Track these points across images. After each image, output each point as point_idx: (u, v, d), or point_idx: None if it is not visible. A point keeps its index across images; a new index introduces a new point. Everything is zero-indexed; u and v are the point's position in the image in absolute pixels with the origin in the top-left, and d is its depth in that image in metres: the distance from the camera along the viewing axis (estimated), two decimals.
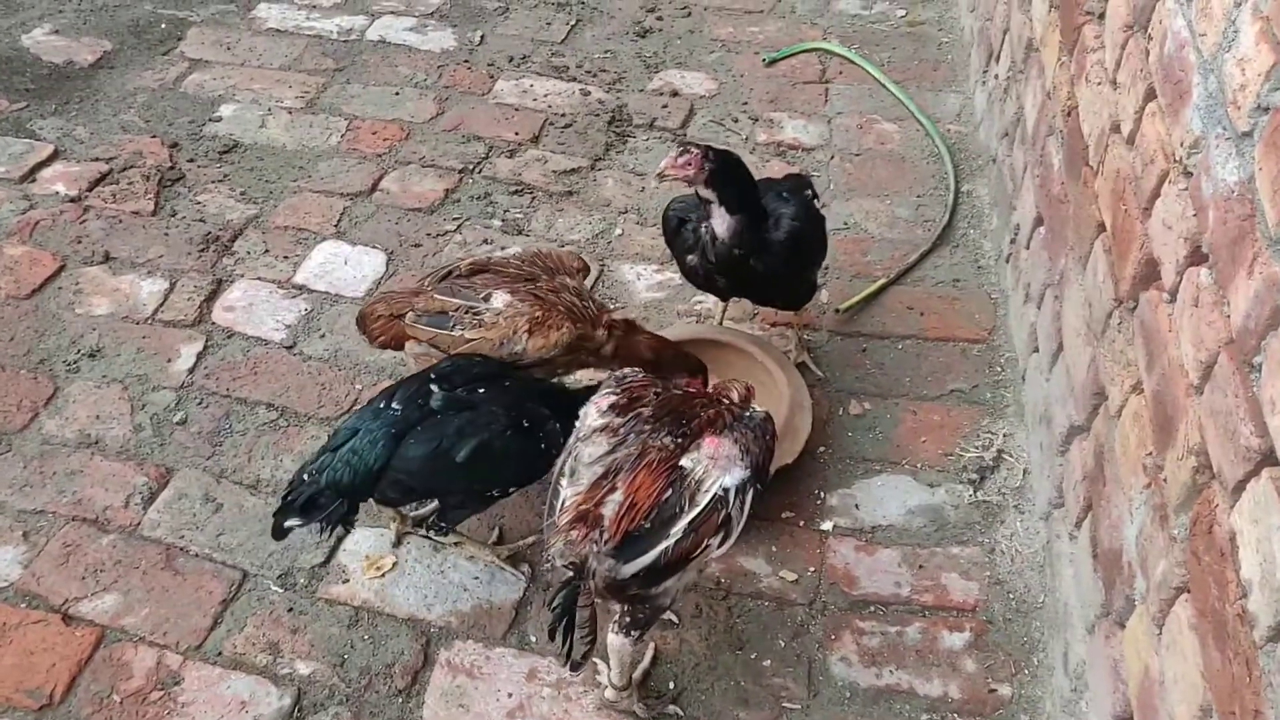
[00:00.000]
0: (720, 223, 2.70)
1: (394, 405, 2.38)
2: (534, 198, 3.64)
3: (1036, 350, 2.90)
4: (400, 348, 2.67)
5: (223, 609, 2.52)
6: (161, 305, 3.21)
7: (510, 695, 2.40)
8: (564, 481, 2.17)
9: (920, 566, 2.66)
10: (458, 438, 2.33)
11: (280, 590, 2.56)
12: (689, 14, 4.56)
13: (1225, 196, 1.85)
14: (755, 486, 2.19)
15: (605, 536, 2.07)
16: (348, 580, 2.59)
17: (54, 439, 2.86)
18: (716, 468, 2.14)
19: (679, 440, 2.16)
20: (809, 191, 3.01)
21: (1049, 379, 2.77)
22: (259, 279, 3.31)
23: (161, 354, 3.08)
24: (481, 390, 2.41)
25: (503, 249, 3.43)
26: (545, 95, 4.08)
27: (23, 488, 2.74)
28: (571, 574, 2.09)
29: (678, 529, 2.08)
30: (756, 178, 2.80)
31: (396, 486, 2.38)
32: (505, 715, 2.37)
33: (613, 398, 2.26)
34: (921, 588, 2.62)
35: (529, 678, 2.43)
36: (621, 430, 2.19)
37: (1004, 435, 2.93)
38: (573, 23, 4.47)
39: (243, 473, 2.80)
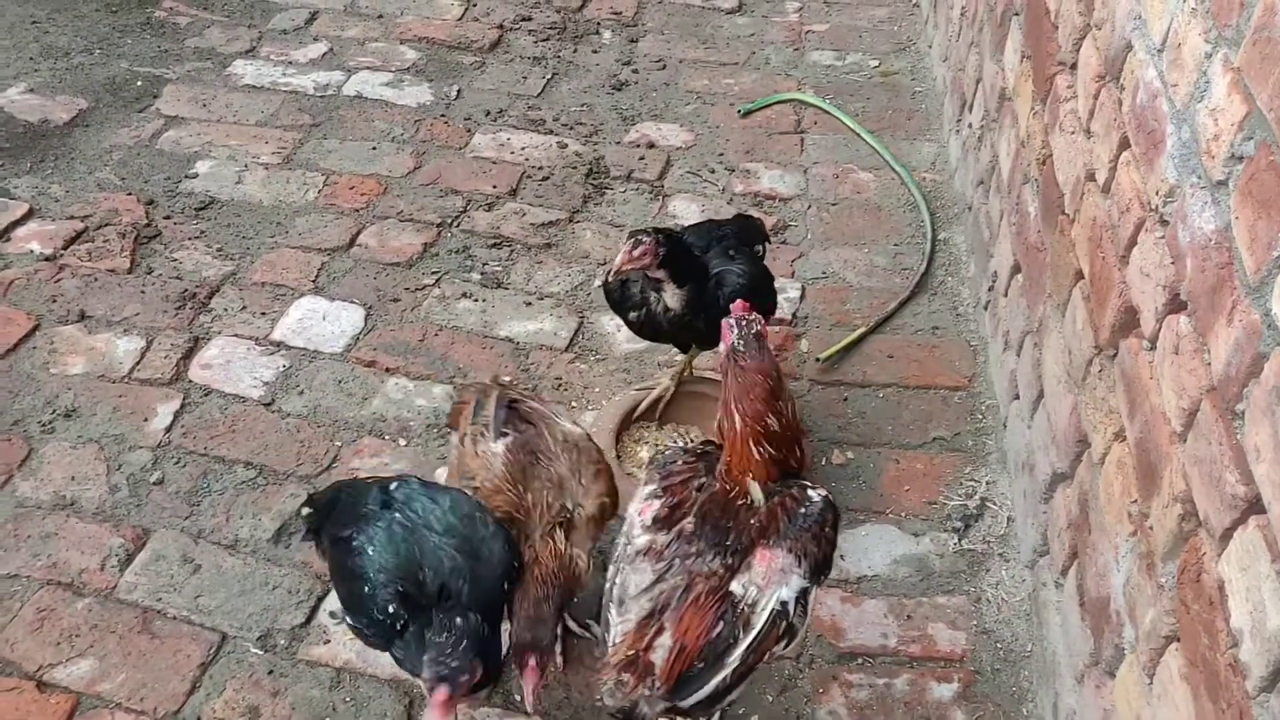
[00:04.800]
0: (672, 296, 2.76)
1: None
2: (512, 250, 3.64)
3: (1017, 397, 2.90)
4: None
5: (201, 673, 2.47)
6: (138, 364, 3.18)
7: None
8: (613, 610, 2.08)
9: (907, 617, 2.64)
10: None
11: (260, 652, 2.52)
12: (664, 67, 4.59)
13: (1202, 245, 1.87)
14: (818, 582, 2.11)
15: (657, 684, 1.98)
16: (329, 641, 2.55)
17: (28, 501, 2.82)
18: (771, 585, 2.04)
19: (728, 562, 2.05)
20: (759, 247, 3.02)
21: (1030, 426, 2.77)
22: (236, 336, 3.29)
23: (138, 413, 3.05)
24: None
25: (480, 301, 3.42)
26: (522, 148, 4.09)
27: None
28: (622, 717, 2.01)
29: (733, 658, 2.01)
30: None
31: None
32: None
33: (655, 504, 2.15)
34: (909, 638, 2.60)
35: None
36: (666, 554, 2.08)
37: (987, 483, 2.93)
38: (549, 76, 4.49)
39: (221, 533, 2.76)
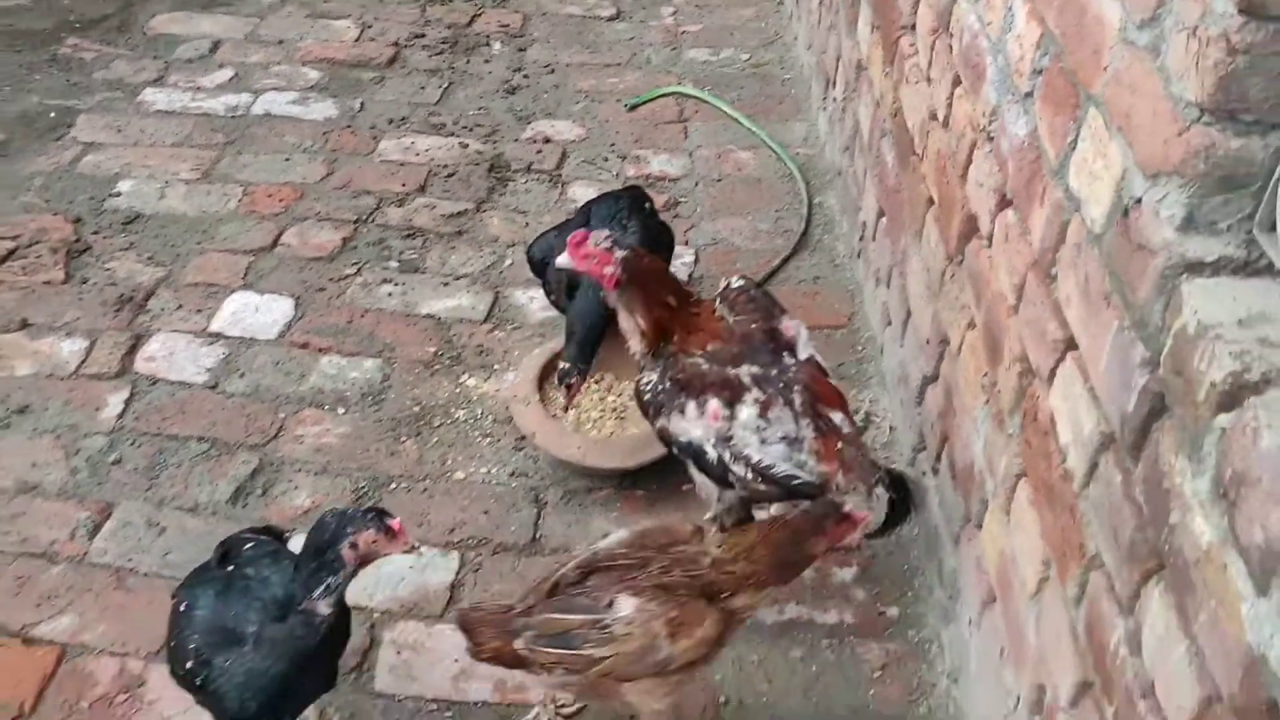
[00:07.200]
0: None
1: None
2: (426, 239, 3.93)
3: (890, 324, 3.28)
4: (516, 666, 2.29)
5: None
6: (84, 362, 3.39)
7: (456, 661, 2.63)
8: (792, 461, 2.43)
9: None
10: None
11: None
12: (552, 71, 4.93)
13: (1019, 148, 2.25)
14: None
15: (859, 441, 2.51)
16: None
17: None
18: (803, 334, 2.61)
19: (783, 352, 2.53)
20: (647, 205, 3.38)
21: (902, 345, 3.14)
22: (176, 331, 3.51)
23: (89, 404, 3.26)
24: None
25: (400, 285, 3.70)
26: (426, 150, 4.38)
27: None
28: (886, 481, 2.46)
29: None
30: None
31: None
32: (450, 679, 2.61)
33: (711, 402, 2.46)
34: None
35: None
36: (769, 394, 2.44)
37: (870, 401, 3.30)
38: (445, 86, 4.80)
39: (182, 499, 3.00)
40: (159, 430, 3.19)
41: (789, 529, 2.25)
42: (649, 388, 2.54)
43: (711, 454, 2.48)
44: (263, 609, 2.15)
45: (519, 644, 2.20)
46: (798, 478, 2.43)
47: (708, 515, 2.68)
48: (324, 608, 2.11)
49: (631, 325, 2.56)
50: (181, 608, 2.23)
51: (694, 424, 2.48)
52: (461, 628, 2.30)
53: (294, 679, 2.15)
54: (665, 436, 2.57)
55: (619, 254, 2.53)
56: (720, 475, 2.49)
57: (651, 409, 2.55)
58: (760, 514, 2.69)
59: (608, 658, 2.16)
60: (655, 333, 2.54)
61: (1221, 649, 1.45)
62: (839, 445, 2.43)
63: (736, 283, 2.63)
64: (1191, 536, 1.53)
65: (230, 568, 2.28)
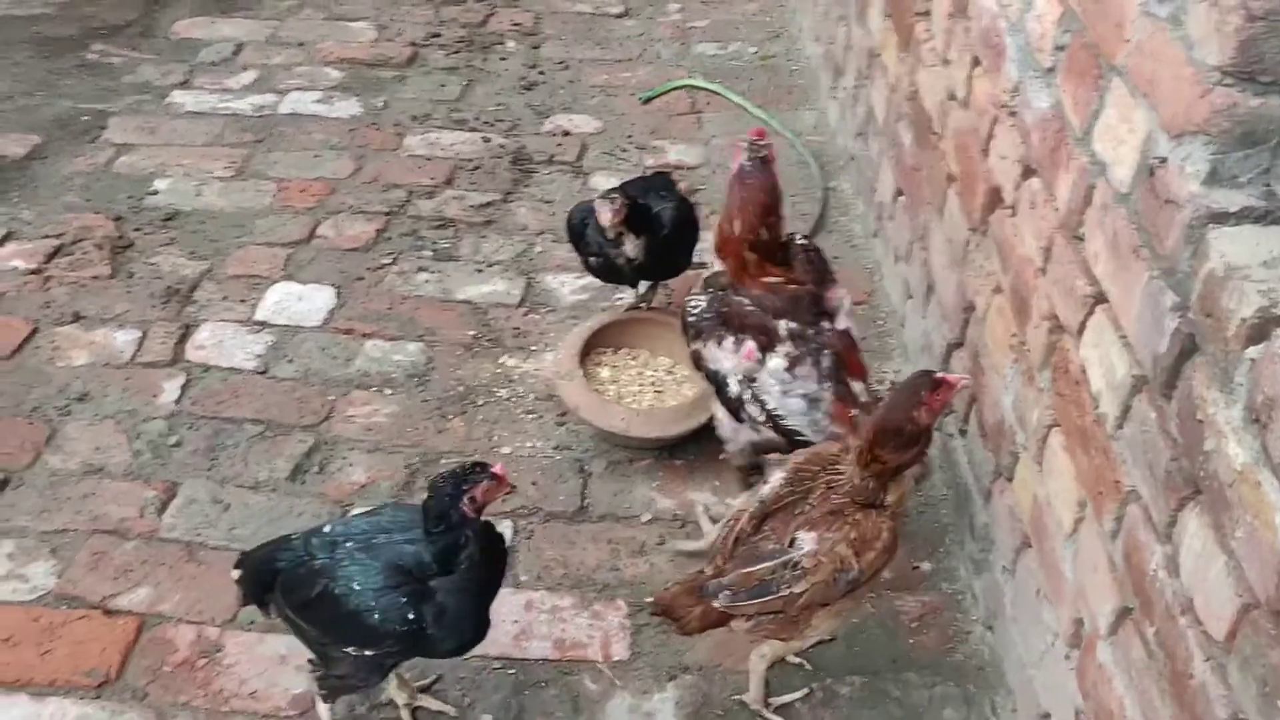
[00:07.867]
0: (632, 247, 3.27)
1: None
2: (457, 229, 4.08)
3: (911, 297, 3.43)
4: (722, 625, 2.43)
5: None
6: (138, 351, 3.52)
7: (516, 623, 2.78)
8: (806, 415, 2.64)
9: None
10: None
11: None
12: (567, 68, 5.08)
13: (1042, 120, 2.41)
14: None
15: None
16: None
17: (60, 471, 3.15)
18: (845, 301, 2.80)
19: (823, 317, 2.71)
20: (681, 185, 3.60)
21: (925, 316, 3.29)
22: (223, 320, 3.65)
23: (146, 391, 3.39)
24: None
25: (436, 273, 3.85)
26: (451, 145, 4.53)
27: (41, 513, 3.02)
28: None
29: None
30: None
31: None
32: (512, 639, 2.76)
33: (747, 344, 2.67)
34: None
35: (527, 609, 2.83)
36: (800, 350, 2.65)
37: (894, 372, 3.45)
38: (464, 83, 4.95)
39: (243, 477, 3.13)
40: (215, 414, 3.33)
41: (889, 408, 2.34)
42: (695, 311, 2.80)
43: (734, 388, 2.73)
44: (417, 556, 2.27)
45: (718, 603, 2.33)
46: (802, 435, 2.64)
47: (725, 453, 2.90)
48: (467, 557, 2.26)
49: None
50: (337, 591, 2.26)
51: (727, 356, 2.73)
52: (661, 613, 2.46)
53: (488, 600, 2.35)
54: (697, 360, 2.83)
55: (744, 158, 2.77)
56: (735, 409, 2.74)
57: (692, 330, 2.81)
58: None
59: (806, 590, 2.29)
60: (719, 239, 2.83)
61: (1258, 558, 1.61)
62: (853, 412, 2.62)
63: (799, 240, 2.82)
64: (1227, 460, 1.68)
65: (347, 542, 2.32)
